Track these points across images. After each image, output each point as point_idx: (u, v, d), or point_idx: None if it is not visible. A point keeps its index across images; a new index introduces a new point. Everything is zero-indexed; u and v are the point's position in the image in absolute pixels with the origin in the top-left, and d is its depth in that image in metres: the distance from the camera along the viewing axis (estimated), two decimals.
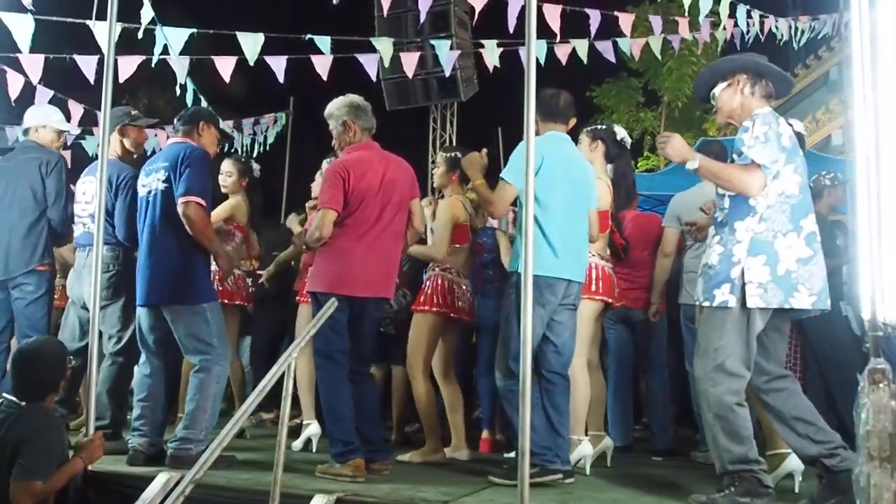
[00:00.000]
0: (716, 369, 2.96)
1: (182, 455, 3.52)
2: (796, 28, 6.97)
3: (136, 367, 3.95)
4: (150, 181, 3.79)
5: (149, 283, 3.72)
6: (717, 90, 3.18)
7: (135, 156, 4.42)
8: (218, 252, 3.86)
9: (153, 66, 5.52)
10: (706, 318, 3.06)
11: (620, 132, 4.20)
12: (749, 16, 6.41)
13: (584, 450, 3.80)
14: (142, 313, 3.82)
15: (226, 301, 4.58)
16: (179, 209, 3.61)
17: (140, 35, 5.15)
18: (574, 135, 3.95)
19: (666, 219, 4.71)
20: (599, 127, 4.17)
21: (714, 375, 2.96)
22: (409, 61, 6.83)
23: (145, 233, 3.78)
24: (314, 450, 4.44)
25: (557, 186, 3.50)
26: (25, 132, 4.60)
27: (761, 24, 6.51)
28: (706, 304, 3.03)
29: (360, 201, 3.58)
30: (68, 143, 7.28)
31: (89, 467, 3.35)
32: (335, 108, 3.78)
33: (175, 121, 4.04)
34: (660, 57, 7.74)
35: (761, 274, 2.92)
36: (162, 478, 3.20)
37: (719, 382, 2.95)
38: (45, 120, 4.58)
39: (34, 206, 4.31)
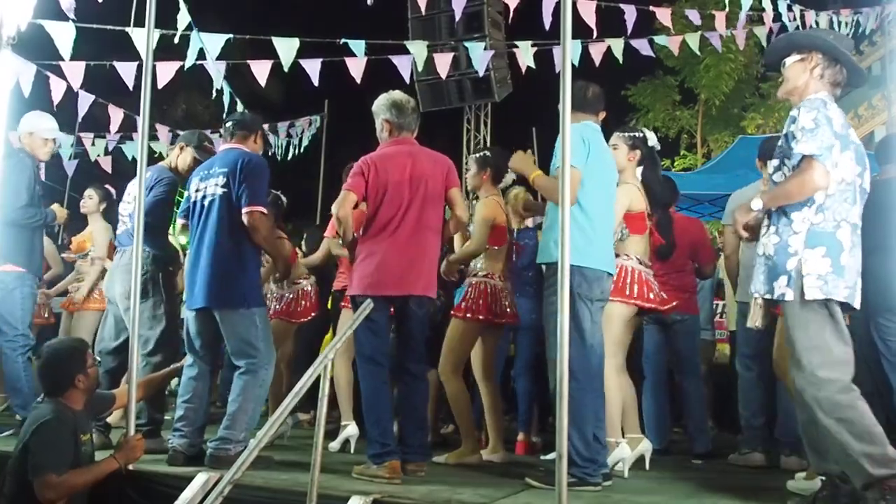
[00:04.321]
0: (814, 373, 2.73)
1: (221, 455, 3.55)
2: (838, 22, 6.81)
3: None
4: (206, 186, 3.82)
5: (201, 286, 3.73)
6: (788, 60, 3.02)
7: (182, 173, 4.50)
8: (279, 257, 3.98)
9: (186, 70, 5.58)
10: (789, 317, 2.85)
11: (652, 139, 4.14)
12: (790, 9, 6.29)
13: (622, 452, 3.75)
14: (190, 317, 3.85)
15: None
16: (245, 219, 3.67)
17: (176, 40, 5.21)
18: (606, 132, 3.91)
19: (725, 216, 4.68)
20: (637, 135, 4.11)
21: (814, 379, 2.73)
22: (443, 62, 6.83)
23: (198, 237, 3.80)
24: (352, 451, 4.46)
25: (598, 177, 3.47)
26: (20, 139, 4.73)
27: (802, 18, 6.38)
28: (767, 296, 2.90)
29: (384, 195, 3.56)
30: (109, 150, 7.46)
31: (130, 466, 3.40)
32: (377, 105, 3.79)
33: (229, 124, 4.03)
34: (698, 53, 7.63)
35: (821, 266, 2.77)
36: (201, 478, 3.23)
37: (824, 385, 2.72)
38: (31, 127, 4.72)
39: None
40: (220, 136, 4.11)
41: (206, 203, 3.79)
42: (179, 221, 4.02)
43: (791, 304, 2.81)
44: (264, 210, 3.73)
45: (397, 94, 3.80)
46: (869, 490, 2.65)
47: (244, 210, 3.67)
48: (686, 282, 4.83)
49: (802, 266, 2.79)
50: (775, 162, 3.00)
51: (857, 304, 2.86)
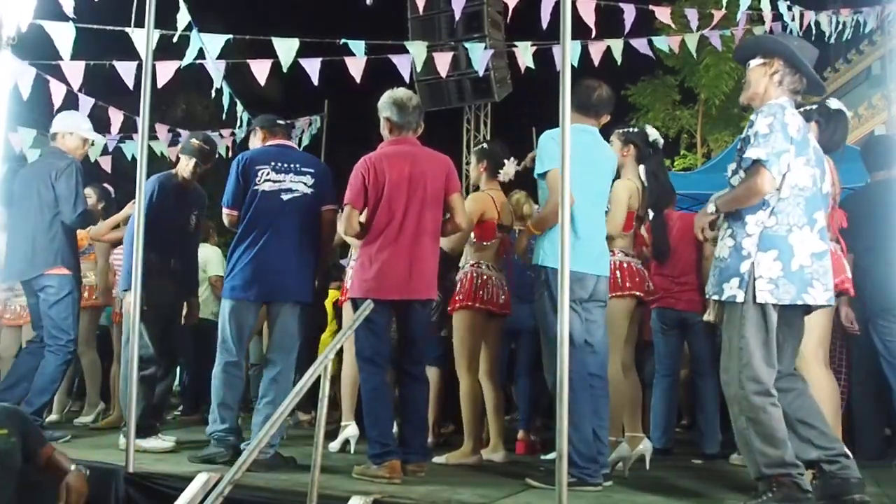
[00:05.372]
0: (741, 371, 2.86)
1: (260, 459, 3.46)
2: (838, 22, 6.80)
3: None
4: (287, 181, 3.89)
5: (276, 278, 3.81)
6: (752, 63, 3.07)
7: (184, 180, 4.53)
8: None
9: (183, 69, 5.57)
10: (727, 316, 2.96)
11: (653, 134, 4.13)
12: (789, 9, 6.28)
13: (621, 451, 3.75)
14: (241, 309, 3.87)
15: None
16: (329, 216, 3.96)
17: (174, 39, 5.21)
18: (606, 133, 3.91)
19: None
20: (631, 130, 4.10)
21: (741, 378, 2.86)
22: (443, 62, 6.83)
23: (271, 228, 3.84)
24: (352, 451, 4.46)
25: (580, 179, 3.35)
26: (53, 137, 4.72)
27: (801, 18, 6.37)
28: (715, 297, 2.97)
29: (382, 197, 3.56)
30: (109, 150, 7.45)
31: (130, 469, 3.40)
32: (380, 102, 3.80)
33: (282, 122, 4.21)
34: (695, 55, 7.61)
35: (772, 269, 2.84)
36: (201, 478, 3.23)
37: (746, 384, 2.85)
38: (72, 127, 4.72)
39: (47, 211, 4.45)
40: (273, 128, 4.15)
41: (284, 198, 3.87)
42: (233, 212, 3.94)
43: (738, 305, 2.88)
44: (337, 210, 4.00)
45: (399, 93, 3.78)
46: (760, 481, 2.85)
47: (329, 207, 3.95)
48: (703, 282, 4.81)
49: (755, 269, 2.85)
50: (733, 165, 3.04)
51: (811, 303, 2.88)
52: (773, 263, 2.84)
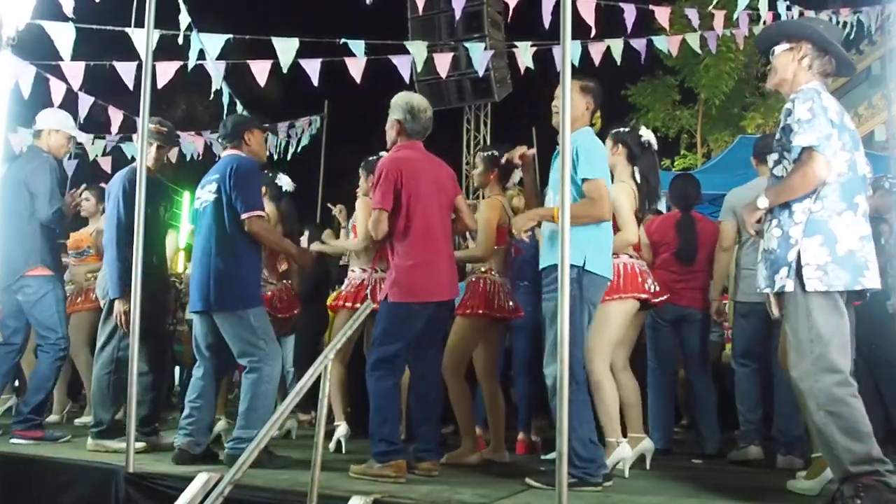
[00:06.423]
0: (815, 363, 2.71)
1: (237, 454, 3.52)
2: (837, 21, 6.80)
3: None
4: (203, 193, 3.94)
5: (199, 290, 3.85)
6: (777, 49, 3.01)
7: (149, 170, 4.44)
8: (291, 251, 4.15)
9: (188, 70, 5.58)
10: (787, 309, 2.84)
11: (646, 134, 4.11)
12: (788, 9, 6.28)
13: (622, 452, 3.75)
14: (195, 319, 4.00)
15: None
16: (245, 227, 3.77)
17: (181, 41, 5.21)
18: (604, 134, 3.94)
19: (722, 213, 4.65)
20: (622, 130, 4.09)
21: (814, 371, 2.71)
22: (443, 62, 6.83)
23: (196, 242, 3.93)
24: (343, 451, 4.46)
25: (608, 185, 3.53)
26: (37, 135, 4.68)
27: (801, 17, 6.36)
28: (767, 290, 2.88)
29: (417, 201, 3.59)
30: (107, 150, 7.45)
31: (130, 469, 3.40)
32: (395, 101, 3.79)
33: (219, 138, 4.17)
34: (700, 51, 7.61)
35: (819, 255, 2.75)
36: (202, 477, 3.23)
37: (822, 377, 2.70)
38: (58, 124, 4.69)
39: (24, 211, 4.44)
40: (222, 143, 4.14)
41: (201, 210, 3.91)
42: (190, 228, 4.14)
43: (791, 294, 2.80)
44: (262, 213, 3.83)
45: (417, 100, 3.79)
46: (845, 483, 2.67)
47: (243, 217, 3.78)
48: (707, 280, 4.82)
49: (801, 256, 2.77)
50: (774, 156, 2.98)
51: (868, 286, 2.80)
52: (819, 249, 2.75)
